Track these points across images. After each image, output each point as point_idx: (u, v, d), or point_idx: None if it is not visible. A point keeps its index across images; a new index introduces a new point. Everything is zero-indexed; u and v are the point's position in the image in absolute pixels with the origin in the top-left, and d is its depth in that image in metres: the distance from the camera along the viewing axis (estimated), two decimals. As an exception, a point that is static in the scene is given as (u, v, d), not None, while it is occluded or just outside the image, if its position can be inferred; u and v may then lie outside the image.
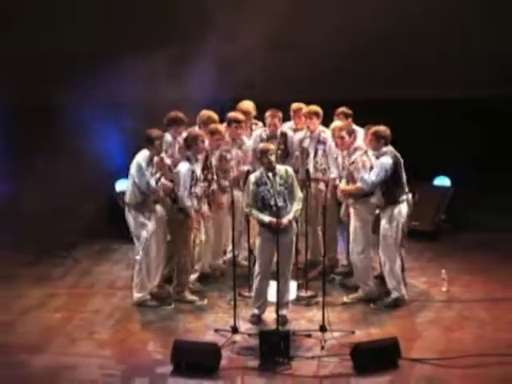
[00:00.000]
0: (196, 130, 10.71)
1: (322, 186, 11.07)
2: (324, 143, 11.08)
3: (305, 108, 11.36)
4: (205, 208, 10.60)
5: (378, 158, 10.12)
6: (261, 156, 9.73)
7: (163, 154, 10.42)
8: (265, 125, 11.59)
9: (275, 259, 9.69)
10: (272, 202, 9.61)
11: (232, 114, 11.18)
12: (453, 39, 14.92)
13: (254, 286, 9.96)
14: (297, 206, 9.76)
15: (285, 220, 9.57)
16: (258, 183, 9.69)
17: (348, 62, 14.61)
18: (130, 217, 10.38)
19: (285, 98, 12.02)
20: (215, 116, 11.05)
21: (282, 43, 14.21)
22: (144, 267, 10.41)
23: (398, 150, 10.24)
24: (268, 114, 11.41)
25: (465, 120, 14.79)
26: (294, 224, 9.91)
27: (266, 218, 9.61)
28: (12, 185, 14.00)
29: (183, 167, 10.20)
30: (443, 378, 8.65)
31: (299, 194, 9.85)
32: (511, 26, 14.87)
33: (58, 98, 13.96)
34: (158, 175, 10.20)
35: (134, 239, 10.45)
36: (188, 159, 10.27)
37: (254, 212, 9.71)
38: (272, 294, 9.85)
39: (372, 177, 9.98)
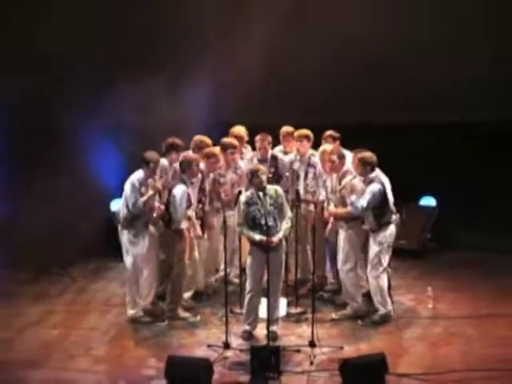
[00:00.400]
0: (191, 154, 10.73)
1: (311, 207, 11.08)
2: (314, 166, 11.10)
3: (296, 132, 11.38)
4: (197, 229, 10.61)
5: (365, 182, 10.16)
6: (251, 176, 9.75)
7: (157, 178, 10.44)
8: (254, 148, 11.62)
9: (266, 277, 9.74)
10: (262, 221, 9.61)
11: (227, 140, 11.20)
12: (449, 64, 14.95)
13: (245, 303, 9.96)
14: (286, 225, 9.78)
15: (275, 238, 9.59)
16: (248, 203, 9.71)
17: (341, 87, 14.63)
18: (122, 234, 10.42)
19: (276, 122, 12.02)
20: (208, 140, 11.09)
21: (276, 69, 14.20)
22: (133, 284, 10.43)
23: (385, 172, 10.30)
24: (258, 138, 11.44)
25: (448, 144, 14.82)
26: (284, 242, 9.94)
27: (257, 237, 9.63)
28: (11, 205, 13.97)
29: (179, 190, 10.21)
30: (430, 393, 8.69)
31: (289, 213, 9.88)
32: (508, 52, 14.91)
33: (58, 120, 13.96)
34: (145, 197, 10.21)
35: (124, 256, 10.47)
36: (183, 182, 10.30)
37: (246, 231, 9.73)
38: (263, 310, 9.87)
39: (363, 203, 10.01)
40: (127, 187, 10.27)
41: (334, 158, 10.45)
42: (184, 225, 10.26)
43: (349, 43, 14.37)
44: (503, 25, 14.85)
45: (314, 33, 14.65)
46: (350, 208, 10.15)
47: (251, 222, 9.69)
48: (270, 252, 9.54)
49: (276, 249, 9.69)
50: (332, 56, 14.29)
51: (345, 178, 10.37)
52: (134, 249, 10.34)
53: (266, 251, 9.54)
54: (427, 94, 14.82)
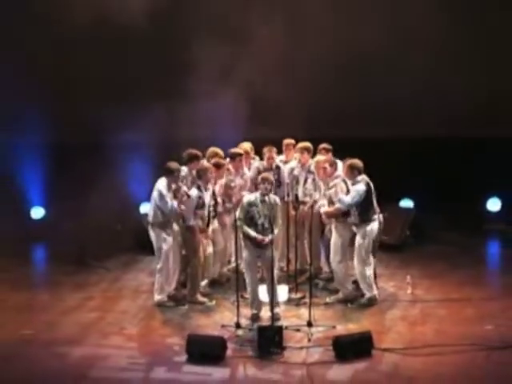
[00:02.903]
0: (206, 163, 10.70)
1: (308, 208, 11.04)
2: (313, 173, 11.04)
3: (298, 144, 11.34)
4: (210, 229, 10.58)
5: (353, 184, 10.15)
6: (261, 182, 9.73)
7: (180, 183, 10.41)
8: (261, 159, 11.59)
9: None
10: (259, 222, 9.64)
11: (234, 150, 11.20)
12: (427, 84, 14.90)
13: (248, 292, 9.96)
14: (276, 230, 9.76)
15: (267, 239, 9.59)
16: (250, 204, 9.70)
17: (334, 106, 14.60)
18: (152, 233, 10.39)
19: (279, 135, 11.99)
20: (220, 151, 11.07)
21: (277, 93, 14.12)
22: (163, 274, 10.40)
23: (371, 178, 10.29)
24: (266, 149, 11.42)
25: (424, 155, 14.80)
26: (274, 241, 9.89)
27: (252, 233, 9.63)
28: (57, 209, 14.02)
29: (192, 193, 10.21)
30: (409, 365, 8.65)
31: (279, 222, 9.89)
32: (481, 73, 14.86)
33: (97, 138, 14.00)
34: (178, 201, 10.19)
35: (155, 251, 10.45)
36: (198, 187, 10.28)
37: (243, 226, 9.72)
38: (263, 294, 9.89)
39: (348, 199, 10.02)
40: (156, 195, 10.24)
41: (326, 165, 10.50)
42: (193, 222, 10.24)
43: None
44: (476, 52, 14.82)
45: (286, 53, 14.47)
46: (337, 204, 10.14)
47: (249, 220, 9.68)
48: (261, 249, 9.59)
49: (267, 247, 9.67)
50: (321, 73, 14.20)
51: (334, 181, 10.38)
52: (162, 244, 10.32)
53: (257, 246, 9.63)
54: (405, 111, 14.75)
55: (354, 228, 10.24)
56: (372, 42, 14.23)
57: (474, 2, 14.82)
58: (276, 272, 9.81)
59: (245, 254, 9.85)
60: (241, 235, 9.98)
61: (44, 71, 14.36)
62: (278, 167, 11.39)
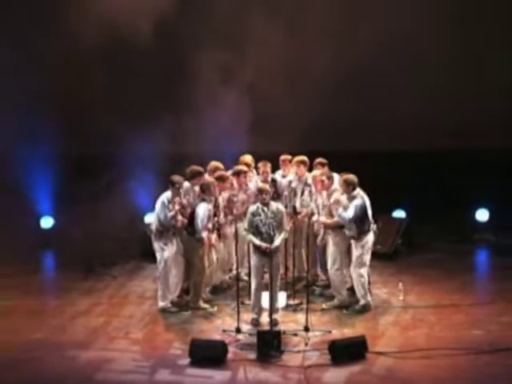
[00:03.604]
0: (209, 178, 10.67)
1: (305, 219, 11.06)
2: (309, 185, 11.06)
3: (295, 158, 11.37)
4: (214, 237, 10.61)
5: (349, 199, 10.18)
6: (259, 193, 9.80)
7: (177, 198, 10.43)
8: (258, 173, 11.62)
9: (267, 275, 9.76)
10: (264, 230, 9.66)
11: (239, 167, 11.20)
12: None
13: (252, 297, 9.97)
14: (282, 236, 9.78)
15: (272, 246, 9.60)
16: (254, 214, 9.74)
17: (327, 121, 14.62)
18: (154, 242, 10.42)
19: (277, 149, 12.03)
20: (221, 165, 11.09)
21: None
22: (164, 281, 10.41)
23: (365, 190, 10.33)
24: (260, 164, 11.39)
25: (417, 169, 14.86)
26: (281, 248, 9.95)
27: (257, 242, 9.66)
28: (67, 219, 14.04)
29: (201, 208, 10.21)
30: (401, 368, 8.67)
31: (286, 227, 9.89)
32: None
33: (105, 150, 14.05)
34: (173, 212, 10.23)
35: (157, 259, 10.47)
36: (204, 200, 10.31)
37: (249, 236, 9.75)
38: (265, 301, 9.86)
39: (349, 214, 10.04)
40: (158, 205, 10.30)
41: (323, 178, 10.52)
42: (204, 234, 10.28)
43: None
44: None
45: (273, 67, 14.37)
46: (337, 219, 10.18)
47: (254, 229, 9.71)
48: (268, 255, 9.58)
49: (275, 253, 9.69)
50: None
51: (333, 196, 10.40)
52: (165, 253, 10.34)
53: (264, 254, 9.61)
54: (400, 126, 14.78)
55: (352, 240, 10.28)
56: (369, 55, 14.31)
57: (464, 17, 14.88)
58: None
59: (252, 260, 9.90)
60: (247, 243, 10.07)
61: (57, 87, 14.41)
62: (273, 180, 11.38)
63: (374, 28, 14.59)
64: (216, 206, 10.61)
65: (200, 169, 10.75)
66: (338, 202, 10.23)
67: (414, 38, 14.74)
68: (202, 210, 10.18)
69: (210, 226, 10.35)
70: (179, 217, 10.26)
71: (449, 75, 14.97)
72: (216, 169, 10.97)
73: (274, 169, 11.66)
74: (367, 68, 14.59)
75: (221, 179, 10.68)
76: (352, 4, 15.09)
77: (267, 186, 10.01)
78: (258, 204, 9.80)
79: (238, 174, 11.13)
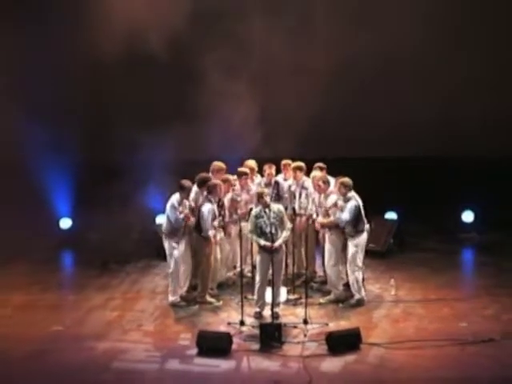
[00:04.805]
0: (214, 180, 10.69)
1: (303, 219, 11.08)
2: (306, 189, 11.08)
3: (292, 164, 11.40)
4: (219, 235, 10.65)
5: (344, 201, 10.22)
6: (258, 197, 9.83)
7: (186, 200, 10.44)
8: (262, 175, 11.64)
9: (270, 272, 9.78)
10: (267, 230, 9.66)
11: (241, 170, 11.22)
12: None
13: (256, 291, 9.99)
14: (285, 234, 9.80)
15: (276, 244, 9.62)
16: (257, 216, 9.76)
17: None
18: (165, 242, 10.45)
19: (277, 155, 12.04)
20: (223, 165, 11.06)
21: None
22: (174, 278, 10.44)
23: (360, 193, 10.37)
24: (266, 166, 11.43)
25: (409, 174, 14.87)
26: (284, 246, 9.98)
27: (262, 242, 9.67)
28: (84, 221, 14.07)
29: (206, 208, 10.24)
30: (392, 357, 8.70)
31: (288, 226, 9.90)
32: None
33: (121, 157, 14.09)
34: (183, 214, 10.26)
35: (167, 258, 10.51)
36: (209, 201, 10.34)
37: (254, 237, 9.77)
38: (268, 296, 9.88)
39: (345, 216, 10.09)
40: (168, 207, 10.33)
41: (321, 182, 10.55)
42: (211, 233, 10.32)
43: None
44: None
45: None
46: (332, 218, 10.24)
47: (259, 231, 9.72)
48: (273, 253, 9.59)
49: (277, 251, 9.72)
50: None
51: (329, 197, 10.44)
52: (175, 251, 10.37)
53: (269, 253, 9.60)
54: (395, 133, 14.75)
55: (349, 238, 10.30)
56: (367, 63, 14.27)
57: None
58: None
59: (258, 257, 9.91)
60: (251, 242, 10.13)
61: (77, 97, 14.45)
62: (276, 182, 11.41)
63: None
64: (221, 206, 10.64)
65: (208, 176, 10.73)
66: (335, 205, 10.28)
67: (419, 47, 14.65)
68: (207, 210, 10.20)
69: (215, 224, 10.39)
70: (192, 218, 10.29)
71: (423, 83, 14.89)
72: (219, 169, 10.99)
73: (276, 173, 11.66)
74: (355, 73, 14.49)
75: (225, 181, 10.73)
76: (355, 8, 14.82)
77: (265, 190, 10.02)
78: (260, 207, 9.82)
79: (240, 175, 11.17)
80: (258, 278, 9.91)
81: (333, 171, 10.98)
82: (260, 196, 9.76)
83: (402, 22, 14.34)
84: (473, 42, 14.67)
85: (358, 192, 10.38)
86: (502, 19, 14.79)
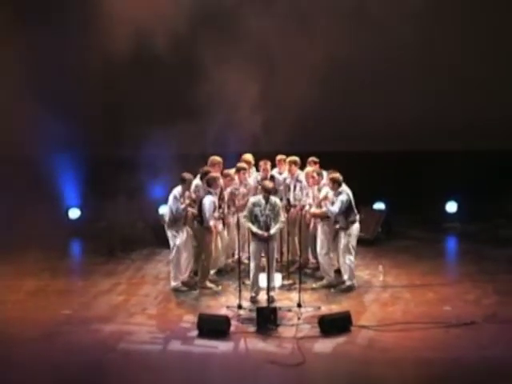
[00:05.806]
0: (214, 173, 10.63)
1: (297, 209, 11.08)
2: (300, 182, 11.07)
3: (287, 158, 11.38)
4: (220, 226, 10.64)
5: (335, 195, 10.22)
6: (261, 190, 9.86)
7: (191, 191, 10.45)
8: (257, 170, 11.62)
9: (264, 259, 9.79)
10: (261, 219, 9.69)
11: (240, 165, 11.18)
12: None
13: (250, 278, 9.99)
14: (279, 225, 9.81)
15: (270, 232, 9.65)
16: (254, 204, 9.76)
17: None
18: (167, 230, 10.45)
19: (273, 150, 12.00)
20: (220, 158, 11.01)
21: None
22: (176, 264, 10.43)
23: (350, 185, 10.36)
24: (261, 162, 11.37)
25: (396, 166, 14.83)
26: (278, 235, 9.97)
27: (254, 229, 9.70)
28: (91, 211, 14.05)
29: (207, 200, 10.23)
30: (381, 339, 8.73)
31: (282, 219, 9.91)
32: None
33: (125, 153, 14.05)
34: (184, 205, 10.25)
35: (170, 245, 10.51)
36: (210, 193, 10.33)
37: (247, 223, 9.77)
38: (262, 281, 9.89)
39: (335, 209, 10.09)
40: (171, 198, 10.31)
41: (314, 174, 10.56)
42: (212, 223, 10.30)
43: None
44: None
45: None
46: (324, 209, 10.24)
47: (253, 218, 9.73)
48: (266, 241, 9.61)
49: (271, 240, 9.73)
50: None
51: (322, 189, 10.44)
52: (176, 240, 10.37)
53: (262, 241, 9.64)
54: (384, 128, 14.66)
55: (341, 230, 10.29)
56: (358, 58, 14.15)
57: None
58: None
59: (251, 246, 9.91)
60: (248, 231, 10.08)
61: (86, 95, 14.39)
62: (272, 177, 11.39)
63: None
64: (221, 199, 10.64)
65: (209, 170, 10.70)
66: (326, 198, 10.28)
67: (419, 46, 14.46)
68: (208, 201, 10.20)
69: (216, 215, 10.38)
70: (190, 209, 10.29)
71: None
72: (217, 162, 10.96)
73: (271, 167, 11.63)
74: (348, 71, 14.38)
75: (225, 176, 10.72)
76: (355, 8, 14.55)
77: (270, 184, 9.98)
78: (260, 196, 9.82)
79: (238, 170, 11.16)
80: (251, 265, 9.92)
81: (326, 165, 10.96)
82: (266, 191, 9.75)
83: (400, 20, 14.14)
84: (473, 43, 14.52)
85: (348, 184, 10.36)
86: (502, 19, 14.66)
